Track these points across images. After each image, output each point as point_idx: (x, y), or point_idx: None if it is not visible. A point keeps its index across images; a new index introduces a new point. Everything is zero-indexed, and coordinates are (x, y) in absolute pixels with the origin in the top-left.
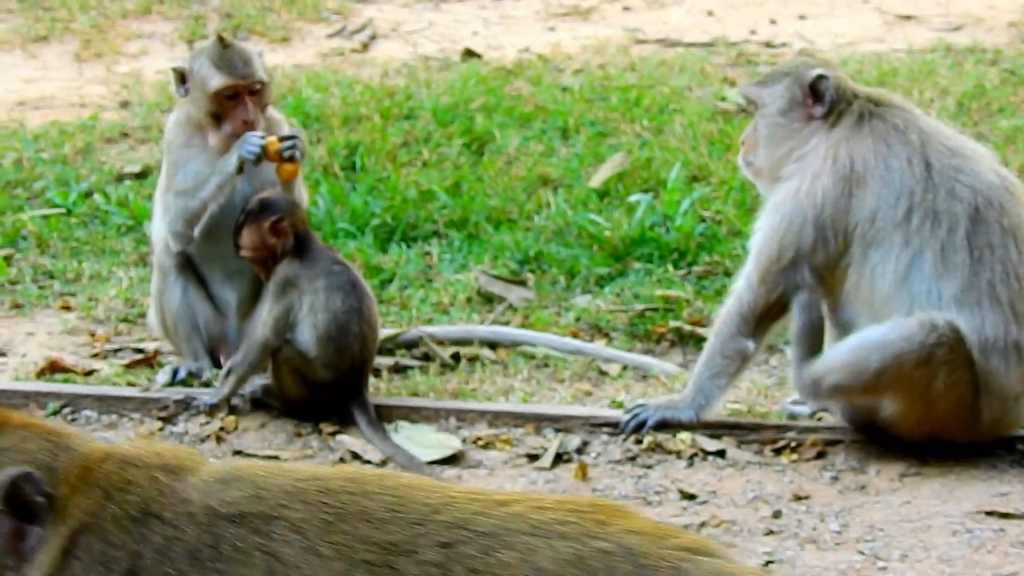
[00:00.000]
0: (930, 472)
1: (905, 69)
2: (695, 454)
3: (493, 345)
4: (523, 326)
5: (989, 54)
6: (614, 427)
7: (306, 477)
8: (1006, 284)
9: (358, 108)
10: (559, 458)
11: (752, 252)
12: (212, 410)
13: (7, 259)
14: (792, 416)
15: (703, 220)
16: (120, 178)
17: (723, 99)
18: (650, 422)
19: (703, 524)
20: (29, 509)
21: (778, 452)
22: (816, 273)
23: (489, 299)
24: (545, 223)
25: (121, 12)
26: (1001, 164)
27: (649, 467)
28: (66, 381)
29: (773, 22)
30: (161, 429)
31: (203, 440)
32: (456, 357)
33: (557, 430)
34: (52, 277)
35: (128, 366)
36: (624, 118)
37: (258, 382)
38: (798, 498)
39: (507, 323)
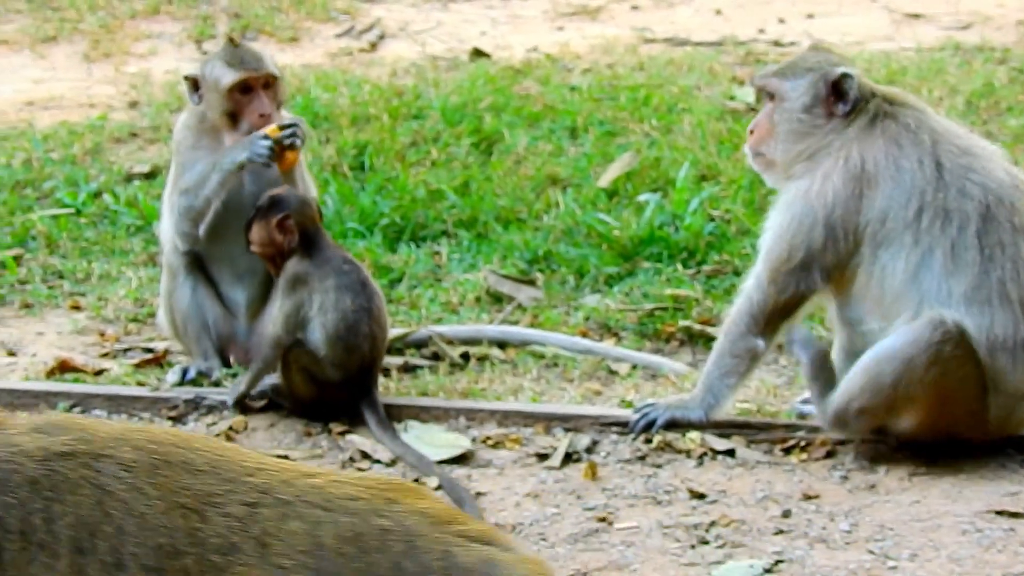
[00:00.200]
0: (940, 471)
1: (914, 68)
2: (705, 453)
3: (502, 345)
4: (532, 325)
5: (998, 53)
6: (624, 426)
7: (133, 428)
8: (1016, 282)
9: (367, 108)
10: (569, 457)
11: (762, 251)
12: (235, 407)
13: (17, 259)
14: (802, 416)
15: (712, 219)
16: (129, 178)
17: (732, 98)
18: (660, 421)
19: (713, 523)
20: None
21: (788, 451)
22: (826, 272)
23: (498, 299)
24: (554, 223)
25: (130, 12)
26: (1012, 163)
27: (659, 466)
28: (76, 381)
29: (781, 21)
30: None
31: None
32: (465, 357)
33: (567, 429)
34: (62, 277)
35: (138, 366)
36: (633, 117)
37: (268, 381)
38: (808, 497)
39: (516, 322)
